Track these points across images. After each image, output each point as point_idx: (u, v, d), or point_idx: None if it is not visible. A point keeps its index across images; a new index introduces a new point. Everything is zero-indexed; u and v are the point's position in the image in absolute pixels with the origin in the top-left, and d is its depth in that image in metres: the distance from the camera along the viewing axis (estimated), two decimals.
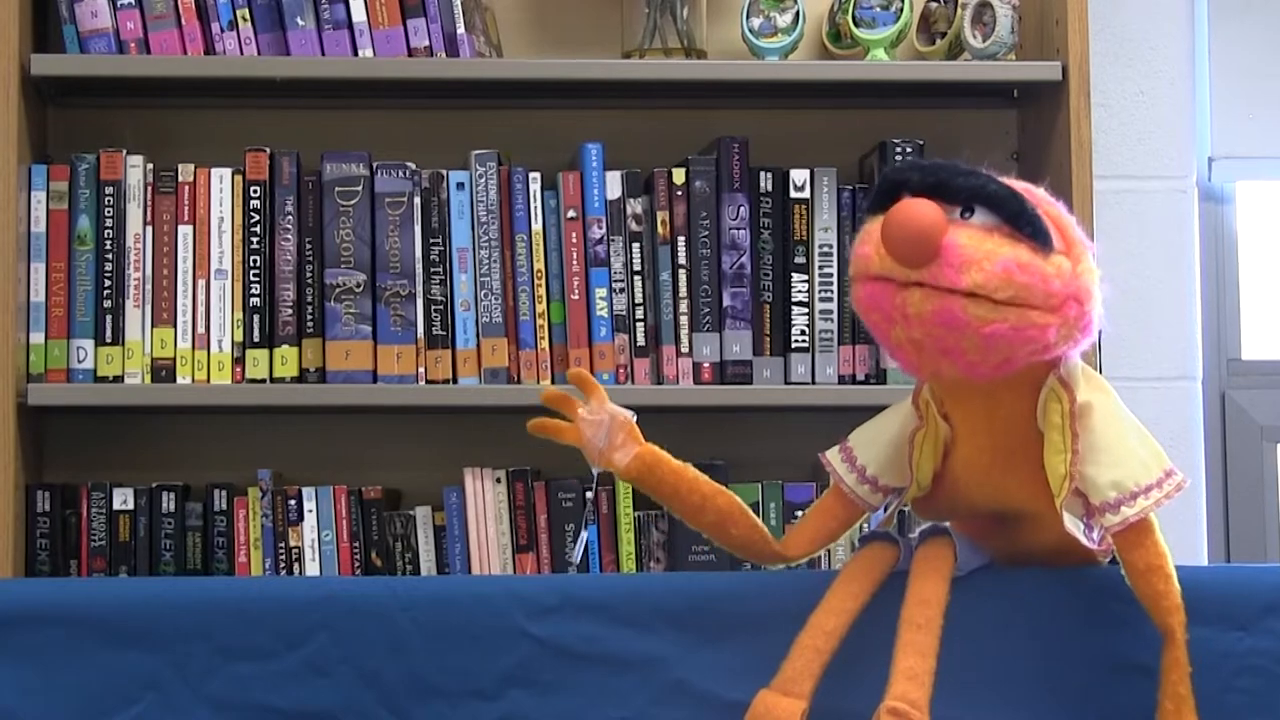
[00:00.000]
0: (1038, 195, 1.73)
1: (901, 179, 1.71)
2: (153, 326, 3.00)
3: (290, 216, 3.01)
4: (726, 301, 3.03)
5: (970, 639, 1.77)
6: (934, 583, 1.75)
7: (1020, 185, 1.72)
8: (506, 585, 1.90)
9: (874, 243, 1.69)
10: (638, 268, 3.04)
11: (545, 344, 3.01)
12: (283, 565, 2.99)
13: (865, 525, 1.94)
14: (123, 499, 2.99)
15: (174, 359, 2.99)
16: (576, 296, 3.02)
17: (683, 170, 3.05)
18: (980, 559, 1.82)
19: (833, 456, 1.88)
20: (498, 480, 3.02)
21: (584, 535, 2.08)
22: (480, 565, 3.00)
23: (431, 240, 3.02)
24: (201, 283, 3.00)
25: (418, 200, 3.02)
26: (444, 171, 3.03)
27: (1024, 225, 1.67)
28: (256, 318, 3.00)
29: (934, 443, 1.81)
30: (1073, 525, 1.73)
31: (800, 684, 1.72)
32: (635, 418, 1.91)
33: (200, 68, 3.02)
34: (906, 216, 1.66)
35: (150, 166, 3.02)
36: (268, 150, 3.02)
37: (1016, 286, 1.66)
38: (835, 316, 3.06)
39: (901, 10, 3.12)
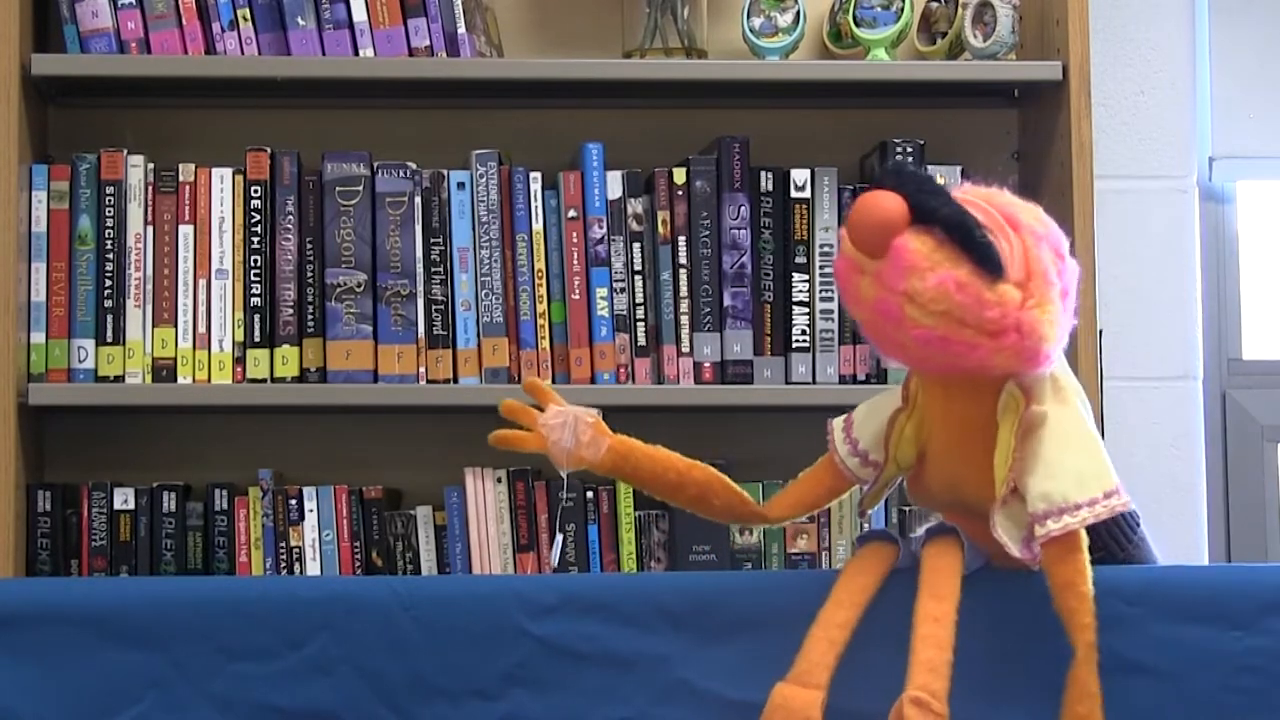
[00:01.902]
0: (1021, 221, 1.75)
1: (880, 183, 1.75)
2: (153, 326, 3.00)
3: (291, 216, 3.01)
4: (727, 301, 3.03)
5: (971, 639, 1.77)
6: (947, 577, 1.76)
7: (1011, 212, 1.75)
8: (508, 585, 1.90)
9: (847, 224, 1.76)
10: (638, 267, 3.04)
11: (546, 344, 3.01)
12: (283, 565, 2.99)
13: (866, 525, 1.95)
14: (123, 499, 2.99)
15: (175, 359, 2.99)
16: (577, 296, 3.02)
17: (683, 170, 3.05)
18: (980, 559, 1.82)
19: (836, 424, 1.92)
20: (498, 480, 3.02)
21: (559, 539, 2.09)
22: (481, 565, 3.00)
23: (432, 240, 3.02)
24: (202, 282, 3.00)
25: (418, 200, 3.02)
26: (445, 171, 3.03)
27: (972, 250, 1.70)
28: (257, 317, 3.00)
29: (917, 425, 1.86)
30: (1004, 530, 1.75)
31: (817, 675, 1.73)
32: (600, 414, 1.92)
33: (201, 67, 3.02)
34: (869, 206, 1.71)
35: (151, 166, 3.02)
36: (268, 150, 3.02)
37: (950, 303, 1.69)
38: (836, 316, 3.06)
39: (902, 10, 3.12)
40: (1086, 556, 1.73)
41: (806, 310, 3.06)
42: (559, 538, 2.10)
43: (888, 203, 1.70)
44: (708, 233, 3.04)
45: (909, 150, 3.06)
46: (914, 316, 1.70)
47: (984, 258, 1.70)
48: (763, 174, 3.06)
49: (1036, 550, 1.74)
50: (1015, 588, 1.81)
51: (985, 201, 1.75)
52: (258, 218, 3.01)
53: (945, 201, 1.72)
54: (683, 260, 3.04)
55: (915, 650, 1.71)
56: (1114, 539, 1.85)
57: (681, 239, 3.04)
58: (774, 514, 1.93)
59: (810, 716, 1.71)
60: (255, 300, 3.00)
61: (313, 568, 2.99)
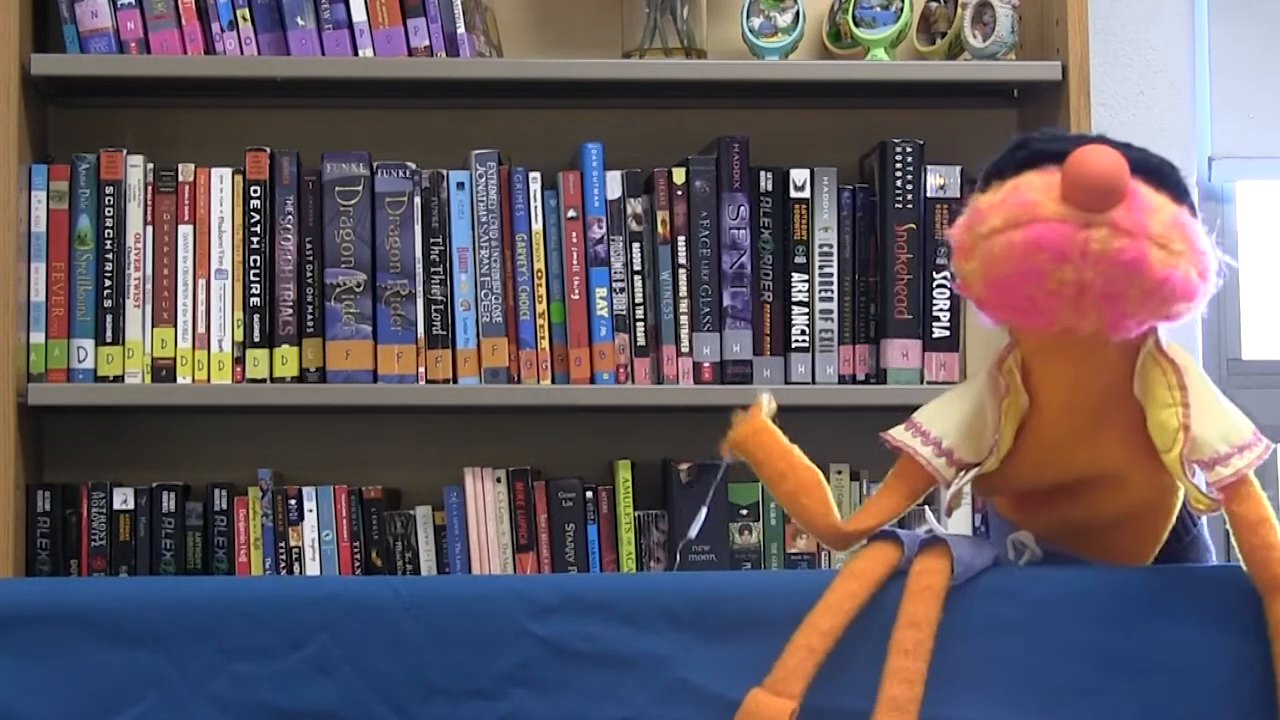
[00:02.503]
0: None
1: (1053, 149, 1.74)
2: (153, 326, 3.00)
3: (290, 216, 3.01)
4: (726, 301, 3.03)
5: (972, 639, 1.77)
6: (925, 604, 1.75)
7: None
8: (508, 585, 1.90)
9: (1040, 188, 1.71)
10: (638, 267, 3.04)
11: (545, 344, 3.01)
12: (283, 565, 2.99)
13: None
14: (123, 499, 2.99)
15: (174, 359, 2.99)
16: (577, 296, 3.02)
17: (683, 170, 3.05)
18: (985, 560, 1.82)
19: (900, 433, 1.86)
20: (498, 480, 3.02)
21: (703, 511, 2.08)
22: (481, 565, 3.00)
23: (432, 240, 3.02)
24: (202, 282, 3.00)
25: (418, 200, 3.02)
26: (444, 171, 3.03)
27: (1183, 195, 1.74)
28: (257, 317, 3.00)
29: (1015, 411, 1.82)
30: (1187, 475, 1.75)
31: (791, 684, 1.72)
32: (767, 399, 1.92)
33: (200, 67, 3.02)
34: (1098, 160, 1.69)
35: (150, 166, 3.02)
36: (268, 150, 3.02)
37: (1187, 242, 1.71)
38: (835, 316, 3.06)
39: (901, 10, 3.12)
40: (1262, 491, 1.76)
41: (806, 310, 3.06)
42: (703, 511, 2.08)
43: (1112, 155, 1.69)
44: (707, 233, 3.04)
45: (908, 150, 3.06)
46: (1160, 258, 1.69)
47: (1192, 201, 1.74)
48: (762, 174, 3.06)
49: (1217, 491, 1.75)
50: (1015, 588, 1.81)
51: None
52: (257, 218, 3.01)
53: (1146, 151, 1.74)
54: (682, 260, 3.04)
55: (883, 685, 1.71)
56: (1181, 523, 1.87)
57: (681, 239, 3.04)
58: (852, 527, 1.85)
59: None
60: (255, 300, 3.00)
61: (312, 568, 2.99)
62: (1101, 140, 1.74)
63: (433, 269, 3.02)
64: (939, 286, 3.05)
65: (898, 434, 1.86)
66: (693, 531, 2.20)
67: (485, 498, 3.01)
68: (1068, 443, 1.82)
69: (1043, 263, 1.70)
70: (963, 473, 1.84)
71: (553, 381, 3.01)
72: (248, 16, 3.01)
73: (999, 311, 1.77)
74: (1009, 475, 1.85)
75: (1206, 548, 1.94)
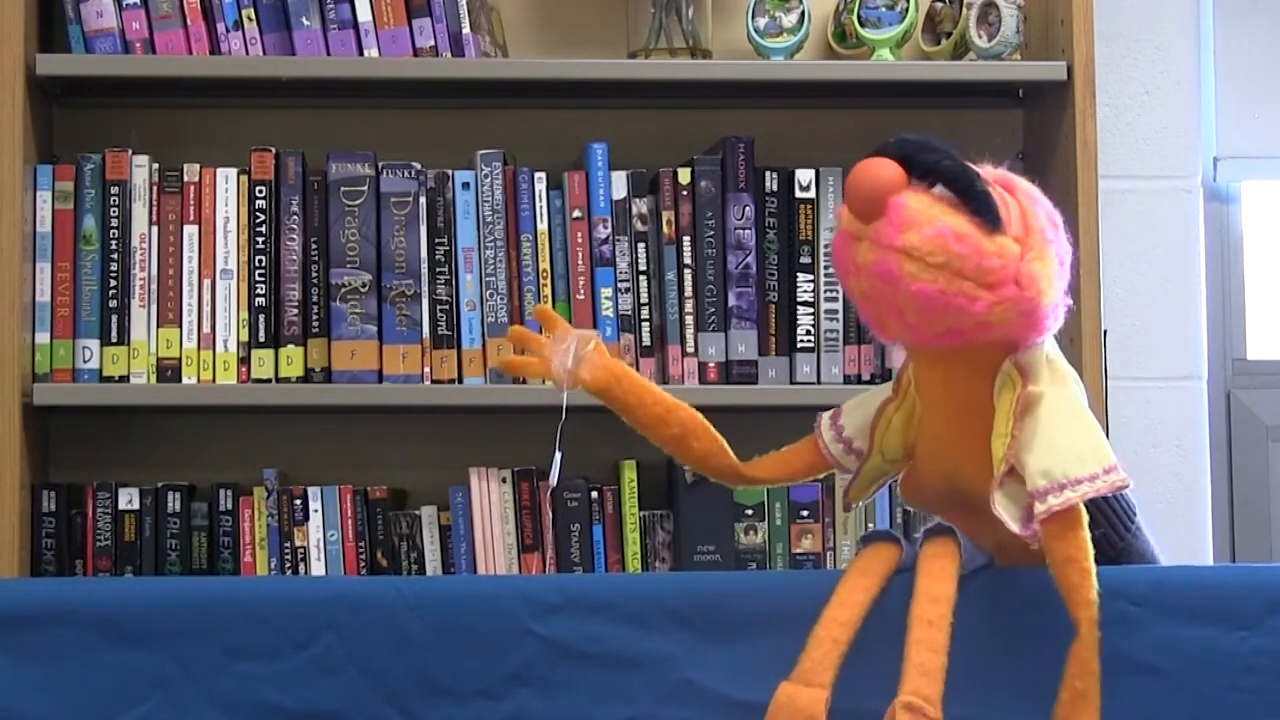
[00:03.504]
0: (1017, 186, 1.77)
1: (878, 151, 1.76)
2: (158, 326, 3.00)
3: (295, 216, 3.01)
4: (732, 301, 3.03)
5: (973, 638, 1.77)
6: (942, 580, 1.75)
7: (1002, 175, 1.77)
8: (513, 585, 1.90)
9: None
10: (643, 267, 3.04)
11: None
12: (288, 565, 2.99)
13: (870, 524, 1.94)
14: (128, 499, 2.99)
15: (179, 359, 2.99)
16: (582, 296, 3.02)
17: (688, 170, 3.06)
18: (982, 559, 1.82)
19: (824, 414, 1.94)
20: (503, 480, 3.02)
21: (558, 456, 2.09)
22: (486, 565, 3.00)
23: (437, 240, 3.02)
24: (207, 282, 3.00)
25: (423, 200, 3.02)
26: (449, 171, 3.03)
27: (970, 200, 1.71)
28: (262, 317, 3.00)
29: (907, 418, 1.87)
30: (1004, 508, 1.74)
31: (821, 674, 1.73)
32: (600, 336, 1.96)
33: (205, 68, 3.02)
34: (862, 171, 1.73)
35: (155, 166, 3.02)
36: (273, 150, 3.02)
37: (949, 254, 1.69)
38: (841, 316, 3.06)
39: (907, 10, 3.12)
40: (1087, 533, 1.72)
41: (811, 310, 3.06)
42: (558, 455, 2.10)
43: (882, 165, 1.72)
44: (712, 233, 3.04)
45: None
46: (912, 271, 1.70)
47: (983, 207, 1.71)
48: (767, 174, 3.07)
49: (1036, 528, 1.73)
50: (1016, 586, 1.81)
51: (979, 169, 1.77)
52: (262, 218, 3.01)
53: (944, 155, 1.73)
54: (687, 260, 3.04)
55: (909, 654, 1.71)
56: (1112, 527, 1.85)
57: (686, 239, 3.04)
58: (750, 473, 1.95)
59: (814, 715, 1.71)
60: (260, 300, 3.00)
61: (317, 568, 2.99)
62: (907, 145, 1.74)
63: (438, 269, 3.02)
64: None
65: (824, 414, 1.94)
66: (552, 478, 2.21)
67: (490, 498, 3.01)
68: (936, 450, 1.84)
69: (839, 273, 1.79)
70: (860, 461, 1.90)
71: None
72: (253, 16, 3.01)
73: None
74: (912, 482, 1.90)
75: (1142, 555, 1.91)
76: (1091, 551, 1.72)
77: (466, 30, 3.02)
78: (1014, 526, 1.74)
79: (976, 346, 1.75)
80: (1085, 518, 1.73)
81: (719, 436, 1.94)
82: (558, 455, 2.07)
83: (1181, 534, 3.27)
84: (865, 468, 1.90)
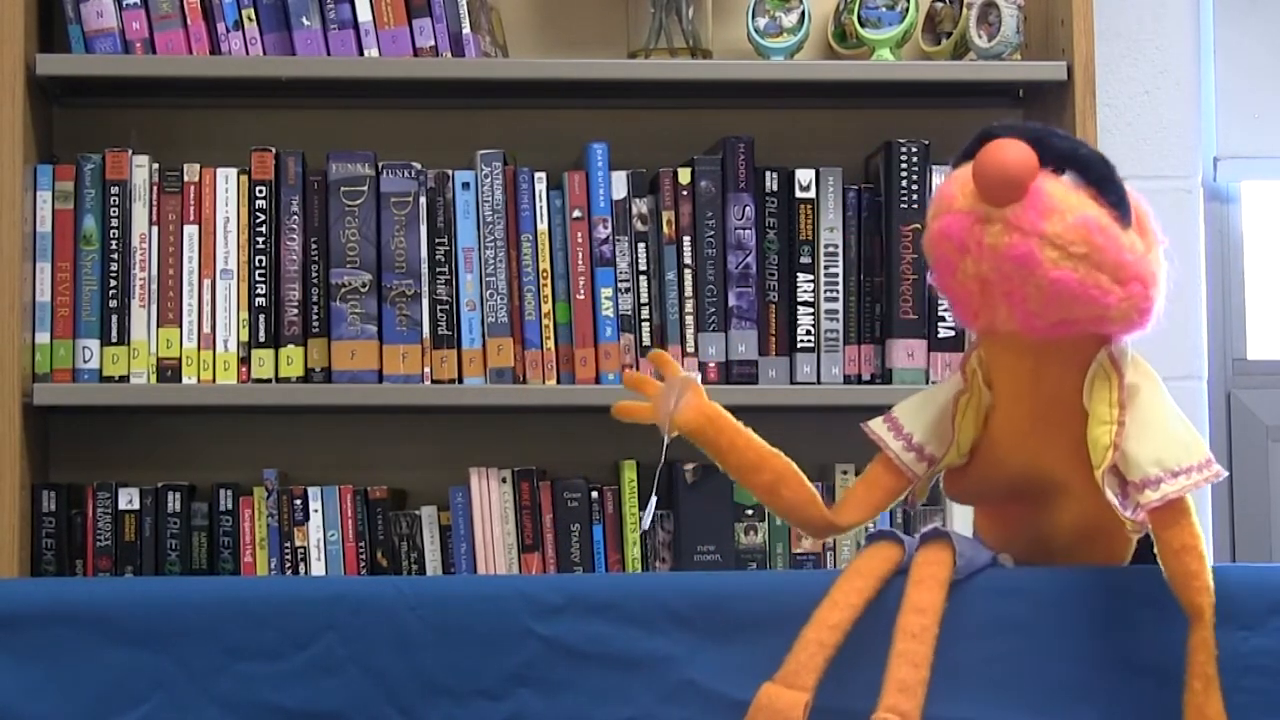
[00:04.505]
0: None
1: (998, 134, 1.74)
2: (158, 326, 3.00)
3: (296, 216, 3.01)
4: (732, 301, 3.03)
5: (973, 639, 1.77)
6: (930, 590, 1.75)
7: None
8: (513, 585, 1.90)
9: (960, 181, 1.73)
10: (643, 267, 3.04)
11: (551, 344, 3.01)
12: (288, 565, 2.99)
13: (871, 524, 1.94)
14: (128, 499, 2.99)
15: (179, 359, 2.99)
16: (582, 296, 3.02)
17: (688, 170, 3.06)
18: (984, 559, 1.82)
19: (877, 426, 1.89)
20: (503, 480, 3.02)
21: (653, 500, 2.06)
22: (486, 565, 3.00)
23: (437, 240, 3.02)
24: (207, 282, 3.00)
25: (423, 200, 3.02)
26: (449, 171, 3.03)
27: (1110, 193, 1.71)
28: (262, 318, 3.00)
29: (976, 409, 1.84)
30: (1110, 495, 1.74)
31: (803, 677, 1.72)
32: (698, 379, 1.92)
33: (206, 68, 3.02)
34: (1000, 154, 1.69)
35: (156, 166, 3.02)
36: (273, 150, 3.02)
37: (1091, 245, 1.69)
38: (841, 316, 3.06)
39: (907, 10, 3.12)
40: (1197, 520, 1.74)
41: (811, 310, 3.06)
42: (653, 499, 2.06)
43: (1020, 148, 1.69)
44: (713, 233, 3.04)
45: (914, 151, 3.06)
46: (1052, 258, 1.68)
47: (1121, 200, 1.71)
48: (768, 174, 3.06)
49: (1143, 515, 1.73)
50: (1016, 588, 1.81)
51: None
52: (262, 218, 3.01)
53: (1080, 144, 1.73)
54: (688, 260, 3.04)
55: (890, 668, 1.71)
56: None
57: (686, 239, 3.04)
58: (843, 520, 1.88)
59: (793, 718, 1.71)
60: (260, 300, 3.00)
61: (318, 568, 2.99)
62: (1038, 131, 1.73)
63: (438, 269, 3.02)
64: None
65: (875, 426, 1.89)
66: (644, 523, 2.20)
67: (490, 498, 3.01)
68: (1017, 441, 1.82)
69: (949, 253, 1.74)
70: (935, 466, 1.86)
71: (558, 382, 3.01)
72: (253, 16, 3.01)
73: (946, 302, 1.80)
74: (972, 475, 1.88)
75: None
76: (1203, 537, 1.73)
77: (466, 30, 3.02)
78: (1124, 512, 1.74)
79: (1078, 339, 1.75)
80: (1193, 506, 1.74)
81: (810, 485, 1.87)
82: (653, 500, 2.04)
83: None
84: (942, 464, 1.86)
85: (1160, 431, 1.75)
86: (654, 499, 2.03)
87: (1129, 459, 1.74)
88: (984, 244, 1.70)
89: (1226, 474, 1.77)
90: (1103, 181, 1.71)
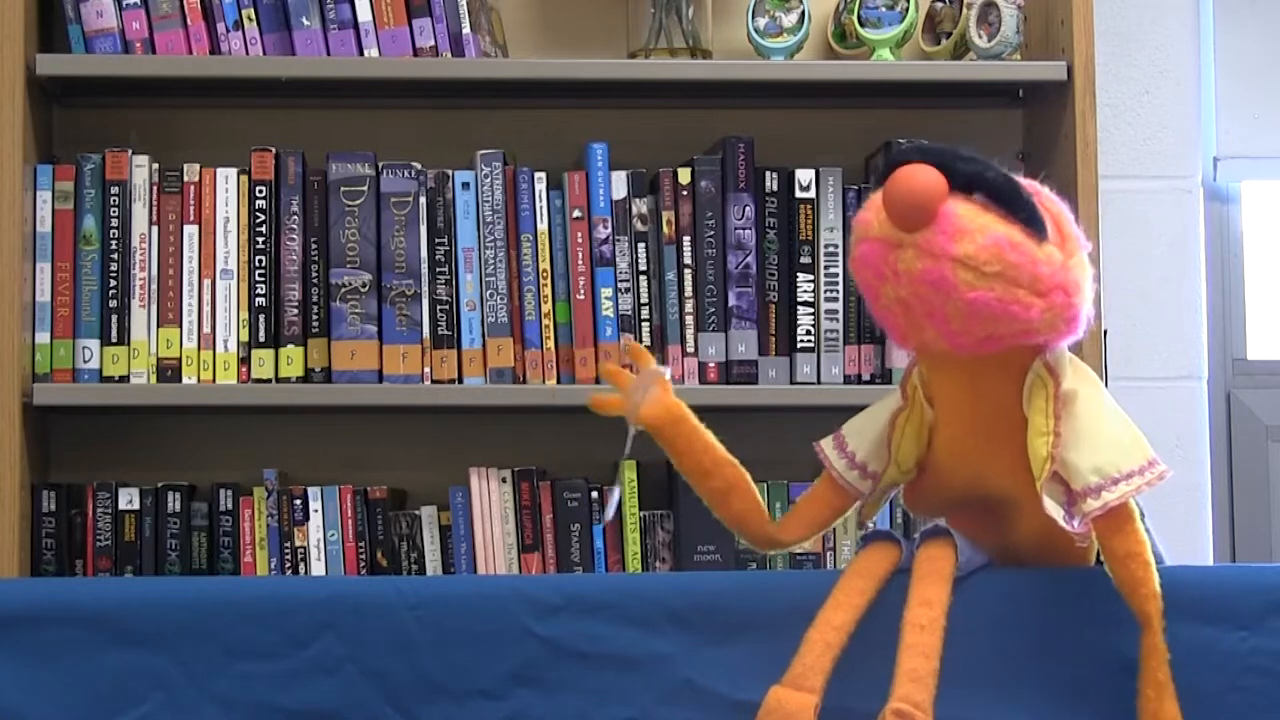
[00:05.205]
0: (1039, 190, 1.77)
1: (905, 159, 1.73)
2: (158, 326, 3.00)
3: (296, 216, 3.02)
4: (732, 301, 3.03)
5: (973, 639, 1.77)
6: (936, 584, 1.75)
7: (1023, 181, 1.75)
8: (512, 585, 1.90)
9: (875, 208, 1.73)
10: (643, 267, 3.04)
11: (551, 344, 3.01)
12: (288, 565, 2.99)
13: (872, 524, 1.94)
14: (128, 499, 2.99)
15: (179, 359, 2.99)
16: (582, 296, 3.02)
17: (688, 170, 3.06)
18: (981, 559, 1.82)
19: (825, 444, 1.91)
20: (503, 480, 3.02)
21: (616, 491, 2.06)
22: (486, 565, 3.00)
23: (437, 240, 3.02)
24: (207, 283, 3.01)
25: (423, 200, 3.02)
26: (449, 171, 3.03)
27: (1019, 211, 1.71)
28: (262, 318, 3.00)
29: (917, 426, 1.85)
30: (1052, 508, 1.74)
31: (812, 679, 1.72)
32: (668, 374, 1.93)
33: (205, 68, 3.02)
34: (907, 179, 1.70)
35: (155, 166, 3.02)
36: (273, 150, 3.03)
37: (1005, 263, 1.68)
38: (841, 316, 3.06)
39: (907, 10, 3.12)
40: (1141, 526, 1.73)
41: (811, 310, 3.06)
42: (616, 490, 2.07)
43: (927, 173, 1.69)
44: (712, 233, 3.04)
45: None
46: (967, 280, 1.68)
47: (1032, 217, 1.70)
48: (767, 174, 3.07)
49: (1086, 525, 1.73)
50: (1016, 587, 1.81)
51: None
52: (262, 218, 3.01)
53: (985, 165, 1.72)
54: (687, 260, 3.04)
55: (900, 659, 1.71)
56: None
57: (686, 239, 3.04)
58: (786, 536, 1.91)
59: None
60: (260, 300, 3.00)
61: (317, 568, 2.99)
62: (945, 154, 1.72)
63: (438, 269, 3.02)
64: None
65: (824, 444, 1.90)
66: (608, 513, 2.20)
67: (490, 498, 3.01)
68: (961, 458, 1.83)
69: (869, 280, 1.75)
70: (876, 484, 1.87)
71: (558, 382, 3.01)
72: (253, 16, 3.01)
73: (879, 324, 1.81)
74: (925, 491, 1.88)
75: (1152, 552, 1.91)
76: (1148, 543, 1.73)
77: (466, 30, 3.02)
78: (1066, 524, 1.73)
79: (1011, 351, 1.75)
80: (1137, 511, 1.74)
81: (760, 499, 1.90)
82: (615, 492, 2.05)
83: (1181, 534, 3.27)
84: (884, 481, 1.87)
85: (1099, 437, 1.75)
86: (617, 491, 2.05)
87: (1069, 467, 1.74)
88: (899, 270, 1.71)
89: (1172, 473, 1.76)
90: (1011, 202, 1.71)
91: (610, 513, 2.16)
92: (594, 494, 3.02)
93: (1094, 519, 1.72)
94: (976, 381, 1.79)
